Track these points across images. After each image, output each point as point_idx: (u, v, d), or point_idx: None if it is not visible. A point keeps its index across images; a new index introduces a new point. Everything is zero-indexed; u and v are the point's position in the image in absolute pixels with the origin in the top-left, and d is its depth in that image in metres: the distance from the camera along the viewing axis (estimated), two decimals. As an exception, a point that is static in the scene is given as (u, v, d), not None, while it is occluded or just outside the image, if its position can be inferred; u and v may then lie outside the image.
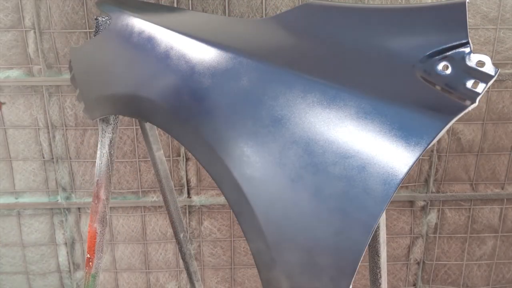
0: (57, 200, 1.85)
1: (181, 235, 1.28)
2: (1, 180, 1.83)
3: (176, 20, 0.96)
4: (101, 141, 1.03)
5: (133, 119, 1.70)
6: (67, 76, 1.69)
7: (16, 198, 1.85)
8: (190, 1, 1.63)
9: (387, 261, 0.91)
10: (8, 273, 1.98)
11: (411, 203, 1.87)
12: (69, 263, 1.96)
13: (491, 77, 0.64)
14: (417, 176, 1.84)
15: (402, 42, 0.71)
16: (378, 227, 0.84)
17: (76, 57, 1.01)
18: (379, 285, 0.90)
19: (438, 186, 1.84)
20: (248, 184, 0.71)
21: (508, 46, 1.67)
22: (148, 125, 1.14)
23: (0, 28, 1.65)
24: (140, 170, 1.82)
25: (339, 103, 0.67)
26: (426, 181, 1.83)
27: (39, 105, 1.73)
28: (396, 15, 0.75)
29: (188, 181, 1.84)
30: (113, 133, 1.02)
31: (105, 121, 1.01)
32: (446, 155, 1.80)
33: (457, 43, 0.65)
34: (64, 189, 1.85)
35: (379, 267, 0.88)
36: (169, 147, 1.79)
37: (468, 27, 0.65)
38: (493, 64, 0.64)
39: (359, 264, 0.62)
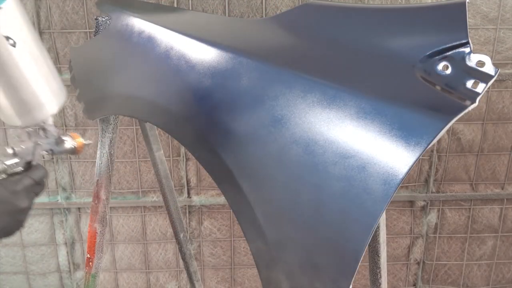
0: (57, 200, 1.85)
1: (181, 235, 1.28)
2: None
3: (176, 20, 0.96)
4: (101, 141, 1.03)
5: (133, 119, 1.70)
6: (67, 76, 1.68)
7: (16, 198, 1.84)
8: (190, 1, 1.63)
9: (387, 261, 0.91)
10: (8, 273, 1.98)
11: (411, 203, 1.87)
12: (69, 263, 1.96)
13: (491, 77, 0.64)
14: (417, 176, 1.84)
15: (402, 42, 0.71)
16: (378, 227, 0.84)
17: (76, 57, 1.01)
18: (379, 285, 0.90)
19: (438, 186, 1.84)
20: (248, 184, 0.71)
21: (508, 46, 1.67)
22: (148, 125, 1.14)
23: (0, 28, 1.64)
24: (140, 170, 1.82)
25: (339, 103, 0.67)
26: (426, 181, 1.83)
27: (39, 105, 1.73)
28: (396, 15, 0.75)
29: (188, 181, 1.84)
30: (113, 133, 1.02)
31: (105, 121, 1.01)
32: (446, 155, 1.80)
33: (457, 43, 0.65)
34: (64, 189, 1.85)
35: (379, 267, 0.88)
36: (169, 147, 1.79)
37: (468, 27, 0.65)
38: (493, 64, 0.64)
39: (359, 264, 0.62)
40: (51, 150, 0.79)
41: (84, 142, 0.81)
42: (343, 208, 0.63)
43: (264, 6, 1.64)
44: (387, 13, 0.76)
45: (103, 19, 0.95)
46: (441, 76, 0.65)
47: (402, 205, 1.88)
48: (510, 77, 1.69)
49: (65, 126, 1.76)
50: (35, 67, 0.71)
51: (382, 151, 0.62)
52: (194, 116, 0.78)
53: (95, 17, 0.96)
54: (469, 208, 1.86)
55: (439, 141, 1.79)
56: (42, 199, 1.85)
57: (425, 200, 1.85)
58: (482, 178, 1.83)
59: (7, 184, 0.70)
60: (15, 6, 0.67)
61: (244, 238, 0.73)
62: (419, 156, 0.61)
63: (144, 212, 1.88)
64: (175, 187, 1.82)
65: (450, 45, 0.65)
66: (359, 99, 0.66)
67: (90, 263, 1.07)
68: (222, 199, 1.83)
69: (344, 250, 0.63)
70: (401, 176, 0.61)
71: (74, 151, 0.81)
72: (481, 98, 0.64)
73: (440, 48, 0.66)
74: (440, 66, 0.66)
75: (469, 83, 0.64)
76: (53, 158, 1.79)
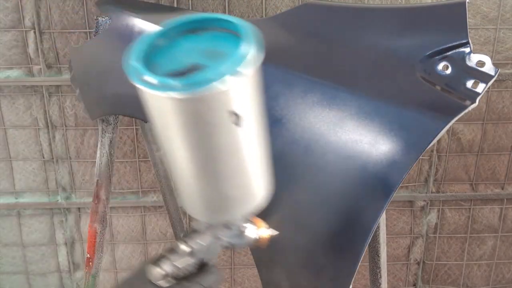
0: (57, 200, 1.85)
1: (181, 235, 1.28)
2: (1, 180, 1.83)
3: (176, 20, 0.96)
4: (101, 141, 1.03)
5: (133, 119, 1.70)
6: (67, 76, 1.68)
7: (16, 198, 1.84)
8: (190, 1, 1.63)
9: (387, 261, 0.91)
10: (8, 273, 1.98)
11: (411, 203, 1.87)
12: (69, 263, 1.96)
13: (491, 77, 0.64)
14: (417, 176, 1.84)
15: (402, 42, 0.71)
16: (378, 227, 0.84)
17: (76, 57, 1.01)
18: (379, 285, 0.90)
19: (438, 186, 1.84)
20: (248, 184, 0.71)
21: (508, 46, 1.67)
22: (148, 125, 1.14)
23: (0, 28, 1.65)
24: (140, 170, 1.82)
25: (339, 103, 0.67)
26: (426, 181, 1.83)
27: (39, 105, 1.73)
28: (396, 15, 0.75)
29: (188, 181, 1.84)
30: (113, 133, 1.02)
31: (105, 121, 1.01)
32: (446, 155, 1.80)
33: (457, 43, 0.65)
34: (64, 189, 1.85)
35: (379, 267, 0.88)
36: (169, 147, 1.78)
37: (468, 27, 0.65)
38: (493, 64, 0.64)
39: (359, 264, 0.62)
40: (231, 244, 0.60)
41: (270, 232, 0.62)
42: (343, 208, 0.63)
43: (264, 6, 1.64)
44: (387, 13, 0.76)
45: (103, 19, 0.95)
46: (441, 76, 0.65)
47: (402, 205, 1.88)
48: (510, 77, 1.69)
49: (65, 126, 1.76)
50: (256, 156, 0.53)
51: (382, 151, 0.62)
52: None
53: (95, 17, 0.96)
54: (469, 208, 1.86)
55: (439, 141, 1.79)
56: (42, 199, 1.85)
57: (425, 200, 1.85)
58: (482, 178, 1.83)
59: None
60: (255, 75, 0.51)
61: (244, 238, 0.72)
62: (419, 156, 0.61)
63: (144, 212, 1.88)
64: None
65: (450, 45, 0.65)
66: (359, 99, 0.66)
67: (90, 263, 1.07)
68: (222, 199, 1.82)
69: (344, 250, 0.63)
70: (401, 176, 0.61)
71: (256, 244, 0.62)
72: (481, 98, 0.64)
73: (440, 48, 0.66)
74: (440, 66, 0.66)
75: (469, 83, 0.64)
76: (53, 158, 1.79)
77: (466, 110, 0.63)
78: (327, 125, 0.66)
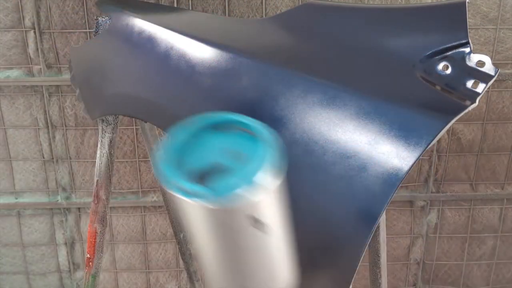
0: (57, 200, 1.85)
1: (181, 235, 1.28)
2: (1, 180, 1.83)
3: (176, 20, 0.96)
4: (101, 141, 1.03)
5: (133, 119, 1.70)
6: (67, 76, 1.69)
7: (16, 198, 1.84)
8: (190, 1, 1.63)
9: (387, 261, 0.91)
10: (8, 273, 1.98)
11: (411, 203, 1.87)
12: (69, 263, 1.96)
13: (491, 77, 0.64)
14: (417, 176, 1.84)
15: (402, 42, 0.71)
16: (378, 227, 0.84)
17: (76, 57, 1.01)
18: (379, 285, 0.90)
19: (438, 186, 1.84)
20: (248, 184, 0.71)
21: (508, 46, 1.67)
22: (148, 125, 1.14)
23: (0, 28, 1.65)
24: (140, 170, 1.82)
25: (339, 103, 0.67)
26: (426, 181, 1.83)
27: (39, 105, 1.73)
28: (396, 15, 0.75)
29: (188, 181, 1.84)
30: (113, 133, 1.02)
31: (105, 121, 1.01)
32: (446, 155, 1.80)
33: (457, 43, 0.65)
34: (64, 189, 1.85)
35: (379, 267, 0.88)
36: (169, 147, 1.78)
37: (468, 27, 0.65)
38: (493, 64, 0.64)
39: (359, 264, 0.62)
40: None
41: None
42: (343, 208, 0.63)
43: (264, 6, 1.64)
44: (387, 13, 0.76)
45: (103, 19, 0.95)
46: (441, 76, 0.65)
47: (402, 205, 1.88)
48: (510, 77, 1.69)
49: (65, 126, 1.76)
50: (279, 257, 0.57)
51: (382, 151, 0.62)
52: (193, 116, 0.78)
53: (95, 17, 0.96)
54: (469, 208, 1.86)
55: (439, 141, 1.79)
56: (42, 199, 1.85)
57: (425, 200, 1.85)
58: (482, 178, 1.83)
59: None
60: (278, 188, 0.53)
61: (244, 238, 0.72)
62: (419, 156, 0.61)
63: (144, 212, 1.88)
64: (175, 187, 1.81)
65: (450, 45, 0.65)
66: (359, 99, 0.66)
67: (90, 263, 1.07)
68: (222, 199, 1.82)
69: (344, 250, 0.63)
70: (401, 176, 0.61)
71: None
72: (481, 98, 0.64)
73: (440, 48, 0.66)
74: (440, 66, 0.66)
75: (469, 83, 0.64)
76: (53, 158, 1.79)
77: (466, 110, 0.63)
78: (327, 125, 0.66)
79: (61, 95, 1.73)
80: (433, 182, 1.82)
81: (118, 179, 1.83)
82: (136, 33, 0.87)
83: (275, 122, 0.69)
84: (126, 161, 1.81)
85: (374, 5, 0.81)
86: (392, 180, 0.61)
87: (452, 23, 0.67)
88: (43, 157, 1.80)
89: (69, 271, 1.98)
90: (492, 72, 0.63)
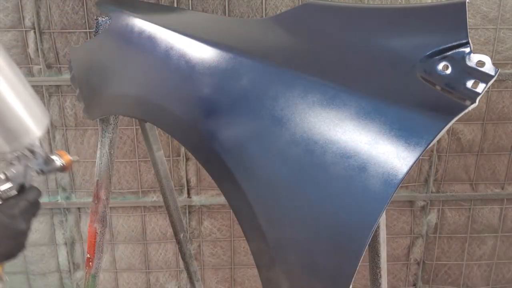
0: (57, 200, 1.85)
1: (181, 235, 1.28)
2: None
3: (176, 20, 0.96)
4: (101, 141, 1.03)
5: (133, 119, 1.70)
6: (67, 76, 1.69)
7: (16, 198, 1.84)
8: (190, 1, 1.63)
9: (387, 261, 0.91)
10: (8, 273, 1.97)
11: (411, 203, 1.87)
12: (69, 263, 1.96)
13: (491, 77, 0.64)
14: (417, 176, 1.84)
15: (402, 42, 0.71)
16: (378, 227, 0.84)
17: (76, 57, 1.01)
18: (379, 285, 0.90)
19: (438, 186, 1.84)
20: (248, 184, 0.71)
21: (508, 46, 1.67)
22: (148, 125, 1.14)
23: (0, 28, 1.65)
24: (140, 170, 1.82)
25: (339, 103, 0.66)
26: (426, 181, 1.83)
27: (39, 105, 1.73)
28: (396, 15, 0.75)
29: (188, 181, 1.84)
30: (113, 133, 1.02)
31: (105, 121, 1.01)
32: (446, 155, 1.80)
33: (457, 43, 0.65)
34: (64, 189, 1.85)
35: (379, 267, 0.88)
36: (169, 147, 1.79)
37: (468, 27, 0.65)
38: (493, 64, 0.64)
39: (359, 264, 0.62)
40: (41, 170, 0.82)
41: (71, 158, 0.84)
42: (343, 208, 0.63)
43: (264, 6, 1.64)
44: (387, 13, 0.76)
45: (103, 19, 0.95)
46: (441, 76, 0.65)
47: (402, 205, 1.88)
48: (510, 77, 1.69)
49: (65, 126, 1.76)
50: (18, 98, 0.75)
51: (382, 151, 0.62)
52: (193, 116, 0.78)
53: (95, 17, 0.96)
54: (469, 208, 1.86)
55: (439, 141, 1.79)
56: (42, 199, 1.84)
57: (425, 200, 1.85)
58: (482, 178, 1.83)
59: (4, 209, 0.72)
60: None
61: (244, 238, 0.72)
62: (419, 156, 0.61)
63: (144, 212, 1.88)
64: (175, 187, 1.82)
65: (450, 45, 0.65)
66: (359, 99, 0.66)
67: (90, 263, 1.07)
68: (222, 199, 1.83)
69: (344, 250, 0.63)
70: (401, 176, 0.61)
71: (63, 169, 0.84)
72: (481, 98, 0.64)
73: (440, 48, 0.66)
74: (440, 66, 0.66)
75: (469, 83, 0.64)
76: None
77: (466, 110, 0.63)
78: (327, 125, 0.66)
79: (61, 95, 1.73)
80: (433, 182, 1.82)
81: (118, 179, 1.83)
82: (136, 33, 0.87)
83: (275, 122, 0.69)
84: (126, 161, 1.81)
85: (374, 5, 0.81)
86: (392, 180, 0.61)
87: (452, 23, 0.67)
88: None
89: (69, 271, 1.98)
90: (492, 72, 0.63)
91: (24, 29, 1.66)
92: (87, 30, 1.66)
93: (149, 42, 0.85)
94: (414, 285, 2.01)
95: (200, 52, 0.79)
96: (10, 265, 2.07)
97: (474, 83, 0.64)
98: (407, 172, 0.61)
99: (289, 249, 0.68)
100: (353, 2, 1.58)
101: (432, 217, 1.88)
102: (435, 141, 0.65)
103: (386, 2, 1.66)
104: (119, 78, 0.91)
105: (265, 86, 0.72)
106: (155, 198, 1.84)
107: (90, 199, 1.80)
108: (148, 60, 0.85)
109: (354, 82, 0.69)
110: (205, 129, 0.76)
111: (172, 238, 1.90)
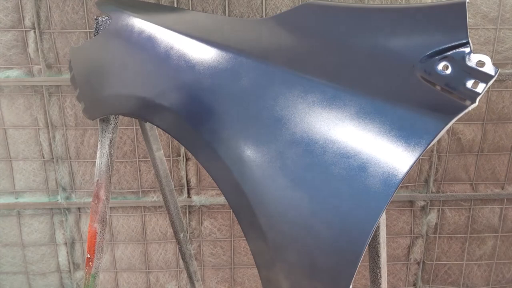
0: (57, 200, 1.85)
1: (181, 235, 1.28)
2: (1, 180, 1.83)
3: (176, 20, 0.96)
4: (101, 141, 1.03)
5: (133, 119, 1.70)
6: (67, 76, 1.69)
7: (16, 198, 1.85)
8: (190, 1, 1.63)
9: (387, 261, 0.91)
10: (8, 273, 1.98)
11: (411, 203, 1.87)
12: (69, 263, 1.96)
13: (491, 77, 0.64)
14: (417, 176, 1.84)
15: (402, 42, 0.71)
16: (378, 227, 0.85)
17: (76, 57, 1.01)
18: (379, 285, 0.90)
19: (438, 186, 1.84)
20: (248, 184, 0.71)
21: (508, 46, 1.67)
22: (148, 125, 1.14)
23: (0, 28, 1.65)
24: (140, 170, 1.82)
25: (339, 103, 0.67)
26: (426, 181, 1.83)
27: (39, 105, 1.73)
28: (396, 15, 0.75)
29: (188, 181, 1.84)
30: (113, 133, 1.02)
31: (105, 121, 1.01)
32: (446, 155, 1.80)
33: (457, 43, 0.65)
34: (64, 189, 1.85)
35: (379, 267, 0.88)
36: (169, 147, 1.79)
37: (468, 27, 0.65)
38: (493, 64, 0.64)
39: (359, 264, 0.62)
40: None
41: None
42: (343, 208, 0.63)
43: (264, 6, 1.64)
44: (387, 13, 0.76)
45: (103, 19, 0.95)
46: (441, 76, 0.65)
47: (402, 205, 1.88)
48: (510, 77, 1.69)
49: (65, 126, 1.76)
50: None
51: (382, 151, 0.62)
52: (193, 116, 0.78)
53: (95, 17, 0.96)
54: (469, 208, 1.86)
55: (439, 141, 1.79)
56: (42, 199, 1.85)
57: (425, 200, 1.85)
58: (482, 178, 1.83)
59: None
60: None
61: (244, 238, 0.73)
62: (419, 156, 0.61)
63: (144, 212, 1.88)
64: (175, 187, 1.82)
65: (450, 45, 0.65)
66: (359, 99, 0.66)
67: (90, 263, 1.07)
68: (222, 199, 1.83)
69: (344, 250, 0.63)
70: (401, 176, 0.61)
71: None
72: (481, 98, 0.64)
73: (440, 48, 0.66)
74: (440, 66, 0.66)
75: (469, 83, 0.64)
76: (53, 158, 1.79)
77: (466, 110, 0.63)
78: (327, 125, 0.66)
79: (61, 95, 1.73)
80: (433, 182, 1.83)
81: (118, 179, 1.83)
82: (136, 33, 0.87)
83: (275, 122, 0.69)
84: (126, 161, 1.81)
85: (374, 5, 0.81)
86: (392, 180, 0.61)
87: (452, 23, 0.67)
88: (43, 157, 1.80)
89: (69, 271, 1.98)
90: (492, 72, 0.64)
91: (24, 29, 1.66)
92: (87, 30, 1.66)
93: (149, 42, 0.85)
94: (414, 285, 2.01)
95: (200, 52, 0.79)
96: (10, 265, 2.08)
97: (474, 83, 0.64)
98: (407, 172, 0.61)
99: (289, 249, 0.68)
100: (353, 2, 1.58)
101: (432, 217, 1.88)
102: (435, 141, 0.65)
103: (386, 2, 1.66)
104: (119, 78, 0.91)
105: (265, 86, 0.73)
106: (155, 198, 1.84)
107: (90, 199, 1.80)
108: (148, 60, 0.85)
109: (354, 82, 0.69)
110: (205, 129, 0.76)
111: (172, 238, 1.90)
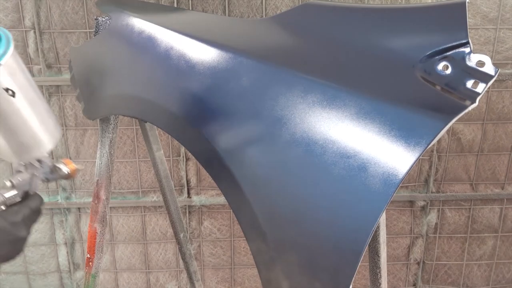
0: (57, 200, 1.85)
1: (181, 235, 1.28)
2: (1, 180, 1.83)
3: (176, 20, 0.96)
4: (101, 141, 1.03)
5: (133, 119, 1.70)
6: (67, 76, 1.69)
7: (16, 198, 1.84)
8: (190, 1, 1.63)
9: (387, 261, 0.91)
10: (8, 273, 1.98)
11: (411, 203, 1.87)
12: (69, 263, 1.96)
13: (491, 77, 0.64)
14: (417, 176, 1.84)
15: (402, 42, 0.71)
16: (378, 227, 0.84)
17: (76, 57, 1.01)
18: (379, 285, 0.90)
19: (438, 186, 1.84)
20: (248, 184, 0.71)
21: (508, 46, 1.67)
22: (148, 125, 1.14)
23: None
24: (140, 170, 1.82)
25: (339, 103, 0.67)
26: (426, 181, 1.83)
27: (39, 105, 1.73)
28: (396, 15, 0.75)
29: (188, 181, 1.84)
30: (113, 133, 1.02)
31: (105, 121, 1.01)
32: (446, 155, 1.80)
33: (457, 43, 0.65)
34: (64, 189, 1.85)
35: (379, 267, 0.88)
36: (169, 147, 1.79)
37: (468, 27, 0.65)
38: (493, 64, 0.64)
39: (359, 264, 0.62)
40: (47, 178, 0.83)
41: (77, 167, 0.86)
42: (343, 208, 0.63)
43: (264, 6, 1.64)
44: (387, 13, 0.76)
45: (103, 19, 0.95)
46: (441, 76, 0.65)
47: (402, 205, 1.88)
48: (510, 77, 1.69)
49: (65, 126, 1.76)
50: (33, 112, 0.76)
51: (382, 151, 0.62)
52: (193, 116, 0.78)
53: (95, 17, 0.96)
54: (469, 208, 1.86)
55: (439, 141, 1.79)
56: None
57: (425, 200, 1.85)
58: (482, 178, 1.83)
59: (7, 216, 0.74)
60: (13, 59, 0.75)
61: (244, 238, 0.73)
62: (419, 156, 0.61)
63: (144, 212, 1.88)
64: (175, 187, 1.82)
65: (450, 45, 0.65)
66: (359, 99, 0.66)
67: (90, 263, 1.07)
68: (222, 199, 1.83)
69: (344, 250, 0.63)
70: (401, 176, 0.61)
71: (68, 177, 0.85)
72: (481, 98, 0.64)
73: (440, 48, 0.66)
74: (440, 66, 0.66)
75: (469, 83, 0.64)
76: (52, 158, 1.79)
77: (466, 110, 0.63)
78: (327, 125, 0.66)
79: (61, 95, 1.73)
80: (433, 182, 1.83)
81: (118, 179, 1.83)
82: (136, 33, 0.87)
83: (275, 122, 0.69)
84: (126, 161, 1.81)
85: (374, 5, 0.81)
86: (392, 180, 0.61)
87: (452, 23, 0.67)
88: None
89: (69, 271, 1.98)
90: (492, 72, 0.63)
91: (24, 29, 1.66)
92: (87, 30, 1.66)
93: (149, 42, 0.85)
94: (414, 285, 2.01)
95: (200, 52, 0.79)
96: (10, 265, 2.07)
97: (474, 83, 0.64)
98: (407, 172, 0.61)
99: (289, 249, 0.68)
100: (353, 2, 1.59)
101: (432, 217, 1.88)
102: (435, 141, 0.65)
103: (386, 2, 1.66)
104: (119, 78, 0.91)
105: (265, 86, 0.73)
106: (155, 198, 1.84)
107: (90, 199, 1.80)
108: (148, 60, 0.85)
109: (354, 82, 0.69)
110: (205, 129, 0.76)
111: (172, 238, 1.90)
